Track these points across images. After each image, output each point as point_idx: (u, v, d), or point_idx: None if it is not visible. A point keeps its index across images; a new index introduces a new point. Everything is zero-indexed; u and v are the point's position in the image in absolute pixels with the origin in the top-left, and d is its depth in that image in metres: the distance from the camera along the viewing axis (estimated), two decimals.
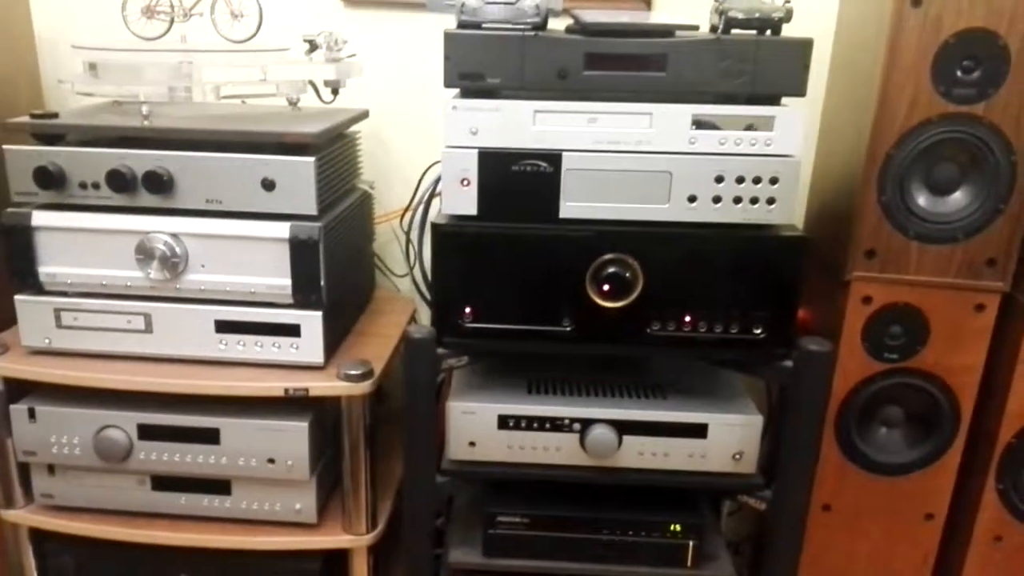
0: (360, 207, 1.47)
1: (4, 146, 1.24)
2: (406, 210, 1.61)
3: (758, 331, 1.19)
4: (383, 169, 1.65)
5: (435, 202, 1.54)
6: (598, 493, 1.35)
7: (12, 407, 1.31)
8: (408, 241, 1.62)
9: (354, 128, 1.47)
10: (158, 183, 1.22)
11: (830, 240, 1.36)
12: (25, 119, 1.26)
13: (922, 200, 1.25)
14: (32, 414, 1.30)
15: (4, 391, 1.32)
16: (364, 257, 1.56)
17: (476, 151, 1.14)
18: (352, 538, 1.35)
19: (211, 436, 1.29)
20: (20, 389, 1.33)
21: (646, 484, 1.29)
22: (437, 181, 1.51)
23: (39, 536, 1.40)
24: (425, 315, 1.64)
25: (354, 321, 1.50)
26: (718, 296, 1.18)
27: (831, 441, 1.36)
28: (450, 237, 1.18)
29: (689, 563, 1.33)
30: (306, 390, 1.26)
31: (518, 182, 1.15)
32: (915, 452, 1.37)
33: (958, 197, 1.25)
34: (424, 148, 1.62)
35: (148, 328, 1.28)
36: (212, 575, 1.39)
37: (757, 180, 1.14)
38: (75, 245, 1.26)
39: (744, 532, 1.71)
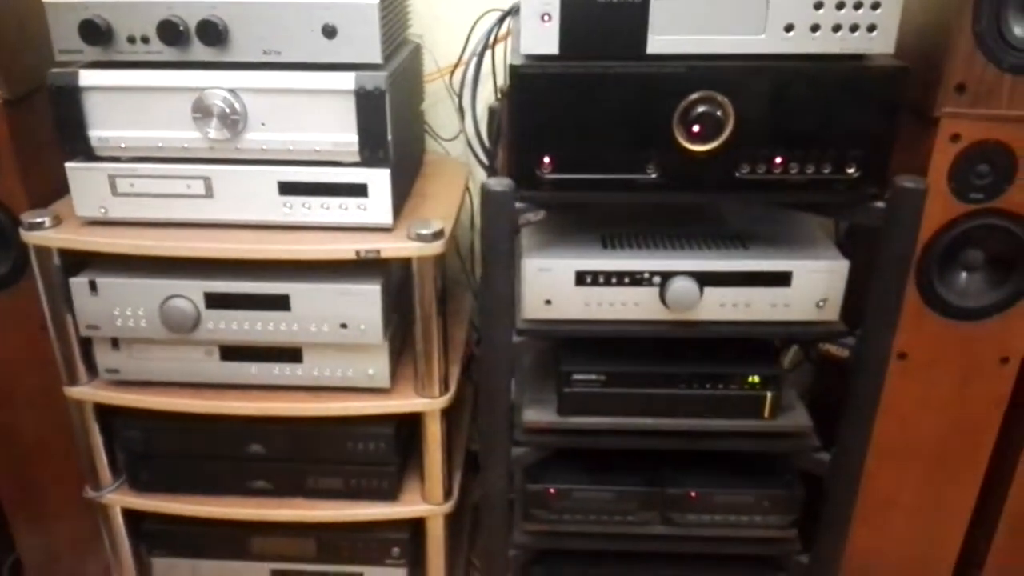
0: (413, 61, 1.39)
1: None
2: (456, 65, 1.53)
3: (852, 170, 1.14)
4: (427, 23, 1.55)
5: (487, 56, 1.47)
6: (671, 348, 1.32)
7: (72, 280, 1.26)
8: (460, 99, 1.54)
9: None
10: (213, 33, 1.14)
11: (917, 76, 1.29)
12: None
13: (1018, 29, 1.19)
14: (93, 287, 1.26)
15: (60, 264, 1.27)
16: (417, 117, 1.49)
17: None
18: (427, 401, 1.33)
19: (281, 303, 1.25)
20: (77, 262, 1.28)
21: (727, 336, 1.27)
22: (490, 32, 1.44)
23: (105, 412, 1.38)
24: (480, 178, 1.58)
25: (411, 185, 1.45)
26: (812, 134, 1.12)
27: (911, 287, 1.33)
28: (529, 79, 1.11)
29: (766, 414, 1.32)
30: (378, 251, 1.21)
31: (603, 15, 1.07)
32: (994, 295, 1.34)
33: None
34: None
35: (209, 192, 1.22)
36: (285, 444, 1.38)
37: (858, 5, 1.07)
38: (127, 106, 1.19)
39: (801, 389, 1.70)
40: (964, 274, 1.35)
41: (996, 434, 1.46)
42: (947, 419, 1.44)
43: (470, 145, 1.55)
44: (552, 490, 1.38)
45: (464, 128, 1.56)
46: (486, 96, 1.51)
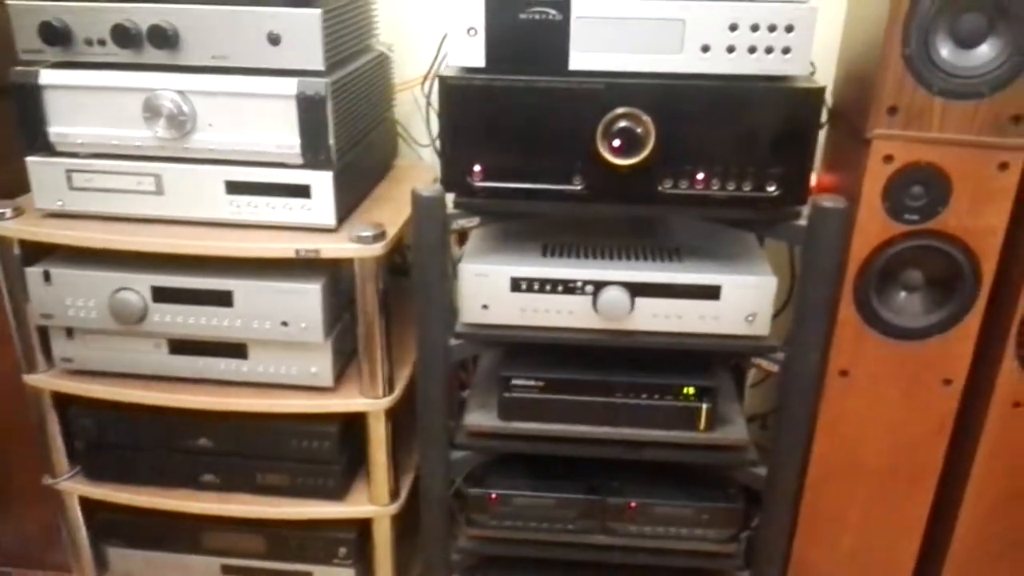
0: (376, 69, 1.44)
1: (7, 1, 1.22)
2: (426, 77, 1.58)
3: (772, 188, 1.17)
4: (404, 34, 1.61)
5: None
6: (613, 357, 1.35)
7: (28, 270, 1.32)
8: (428, 108, 1.59)
9: None
10: (163, 38, 1.20)
11: (855, 102, 1.32)
12: None
13: (946, 53, 1.20)
14: (47, 277, 1.32)
15: (20, 254, 1.33)
16: (383, 122, 1.54)
17: None
18: (369, 401, 1.36)
19: (224, 299, 1.30)
20: (37, 253, 1.34)
21: (658, 347, 1.29)
22: None
23: (61, 400, 1.43)
24: None
25: (372, 187, 1.49)
26: (732, 152, 1.15)
27: (849, 305, 1.34)
28: (457, 90, 1.15)
29: (702, 426, 1.33)
30: (317, 251, 1.26)
31: (526, 31, 1.12)
32: (935, 316, 1.35)
33: (984, 50, 1.20)
34: (446, 11, 1.56)
35: (159, 189, 1.28)
36: (231, 439, 1.42)
37: (772, 28, 1.10)
38: (84, 104, 1.25)
39: (769, 405, 1.70)
40: (903, 294, 1.36)
41: (943, 456, 1.45)
42: (892, 439, 1.44)
43: (438, 154, 1.59)
44: (493, 495, 1.41)
45: (432, 138, 1.61)
46: None
